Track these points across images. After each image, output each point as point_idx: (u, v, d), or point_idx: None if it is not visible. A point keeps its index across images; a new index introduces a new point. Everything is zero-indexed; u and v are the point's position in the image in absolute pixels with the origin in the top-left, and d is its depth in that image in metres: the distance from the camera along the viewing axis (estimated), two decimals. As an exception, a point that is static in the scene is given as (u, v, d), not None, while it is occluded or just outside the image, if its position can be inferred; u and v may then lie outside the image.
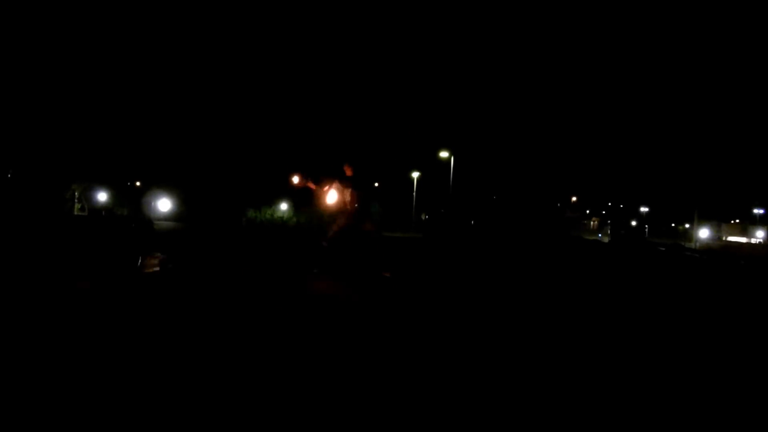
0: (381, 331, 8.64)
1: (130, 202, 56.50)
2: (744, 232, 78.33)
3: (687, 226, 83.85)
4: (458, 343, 8.49)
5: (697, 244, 65.37)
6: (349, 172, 14.98)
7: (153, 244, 22.10)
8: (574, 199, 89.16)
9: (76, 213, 54.54)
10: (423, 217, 71.80)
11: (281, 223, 54.48)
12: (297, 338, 7.94)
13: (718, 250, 57.39)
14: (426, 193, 64.11)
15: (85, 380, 5.75)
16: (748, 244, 67.92)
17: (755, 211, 79.86)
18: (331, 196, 14.91)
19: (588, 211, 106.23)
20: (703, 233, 72.20)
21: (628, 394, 6.25)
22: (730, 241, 72.48)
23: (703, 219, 72.59)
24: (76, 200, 56.39)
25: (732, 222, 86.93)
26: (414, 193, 60.47)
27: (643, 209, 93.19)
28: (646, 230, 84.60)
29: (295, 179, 15.76)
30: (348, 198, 14.93)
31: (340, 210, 15.04)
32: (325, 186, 15.03)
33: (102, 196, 56.88)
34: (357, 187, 14.94)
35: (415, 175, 60.52)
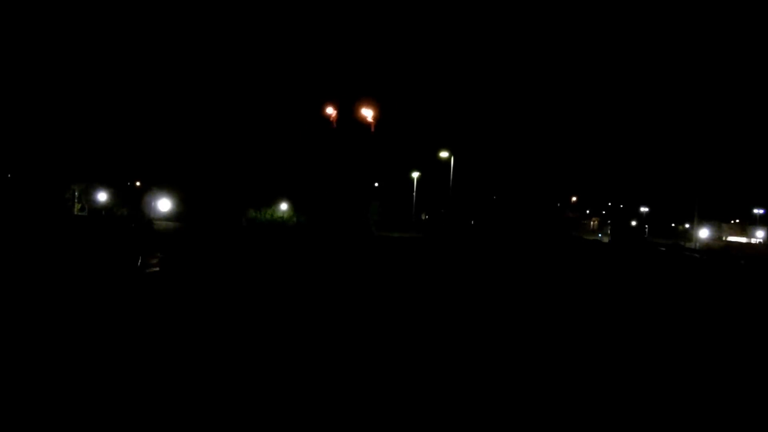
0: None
1: (130, 202, 56.43)
2: (744, 232, 78.30)
3: (687, 226, 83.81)
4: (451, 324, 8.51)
5: (697, 244, 65.32)
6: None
7: (153, 244, 22.10)
8: (574, 199, 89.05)
9: (76, 213, 54.52)
10: (423, 217, 71.76)
11: (281, 222, 54.49)
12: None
13: (718, 250, 57.30)
14: (426, 193, 63.99)
15: (86, 379, 5.75)
16: (748, 244, 67.88)
17: (755, 211, 79.84)
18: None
19: (588, 211, 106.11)
20: (703, 233, 72.10)
21: (627, 391, 6.25)
22: (730, 241, 72.41)
23: (703, 219, 72.52)
24: (76, 200, 56.35)
25: (732, 222, 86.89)
26: (414, 193, 60.40)
27: (643, 209, 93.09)
28: (646, 230, 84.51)
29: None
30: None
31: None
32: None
33: (102, 196, 56.85)
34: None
35: (415, 175, 60.43)
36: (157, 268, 14.77)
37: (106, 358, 6.56)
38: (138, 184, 64.20)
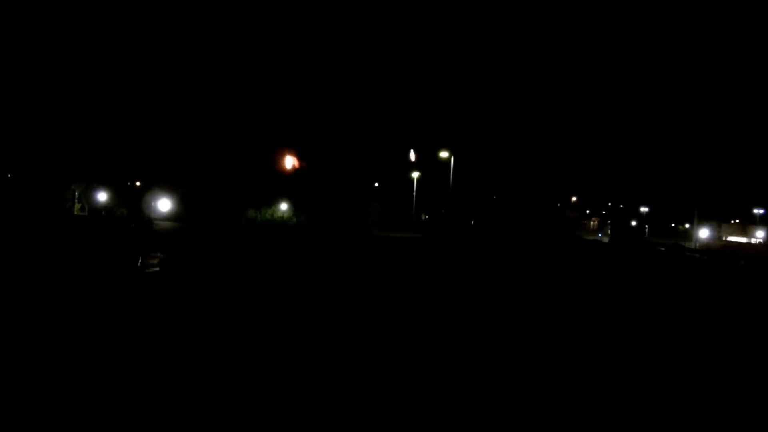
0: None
1: (130, 202, 56.45)
2: (744, 232, 78.23)
3: (687, 226, 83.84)
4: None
5: (697, 244, 65.38)
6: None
7: (153, 244, 22.11)
8: (574, 199, 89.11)
9: (76, 213, 54.52)
10: (423, 217, 71.79)
11: (281, 222, 54.53)
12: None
13: (718, 250, 57.35)
14: (426, 193, 64.02)
15: (86, 378, 5.75)
16: (748, 244, 67.90)
17: (755, 211, 79.86)
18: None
19: (588, 211, 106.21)
20: (703, 233, 72.16)
21: (628, 391, 6.25)
22: (730, 241, 72.39)
23: (703, 219, 72.59)
24: (76, 200, 56.35)
25: (732, 222, 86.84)
26: (414, 193, 60.44)
27: (643, 209, 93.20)
28: (646, 230, 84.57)
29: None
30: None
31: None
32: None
33: (102, 196, 56.86)
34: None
35: (415, 175, 60.48)
36: (157, 268, 14.78)
37: (107, 357, 6.56)
38: (138, 184, 64.19)
